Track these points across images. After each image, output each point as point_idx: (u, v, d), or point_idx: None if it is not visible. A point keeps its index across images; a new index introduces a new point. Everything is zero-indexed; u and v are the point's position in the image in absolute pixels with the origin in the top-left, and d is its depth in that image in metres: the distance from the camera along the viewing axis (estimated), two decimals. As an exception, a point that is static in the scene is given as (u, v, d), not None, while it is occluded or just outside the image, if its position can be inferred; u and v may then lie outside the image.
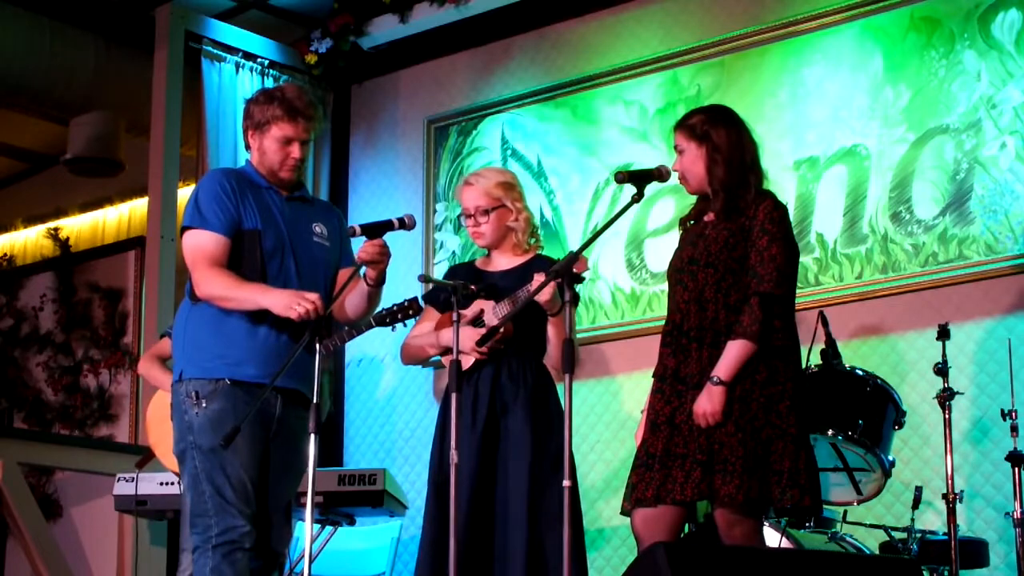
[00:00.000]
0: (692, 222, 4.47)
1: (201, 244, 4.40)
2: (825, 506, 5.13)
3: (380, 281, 4.48)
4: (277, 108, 4.47)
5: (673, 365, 4.29)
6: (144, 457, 6.00)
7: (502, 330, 4.65)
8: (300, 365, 4.33)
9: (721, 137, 4.33)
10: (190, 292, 4.47)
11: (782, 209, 4.30)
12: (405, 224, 4.44)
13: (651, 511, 4.21)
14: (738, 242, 4.25)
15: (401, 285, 4.62)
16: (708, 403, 4.13)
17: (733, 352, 4.16)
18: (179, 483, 5.43)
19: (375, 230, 4.41)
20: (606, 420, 6.53)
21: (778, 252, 4.22)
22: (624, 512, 4.35)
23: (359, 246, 4.47)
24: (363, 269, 4.44)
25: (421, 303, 4.70)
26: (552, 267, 4.26)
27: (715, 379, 4.14)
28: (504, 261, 4.92)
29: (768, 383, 4.19)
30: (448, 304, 4.63)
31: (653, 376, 4.39)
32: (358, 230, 4.41)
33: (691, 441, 4.17)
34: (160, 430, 5.51)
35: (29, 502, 6.62)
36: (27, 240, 9.23)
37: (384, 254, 4.40)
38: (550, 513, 4.55)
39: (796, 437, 4.19)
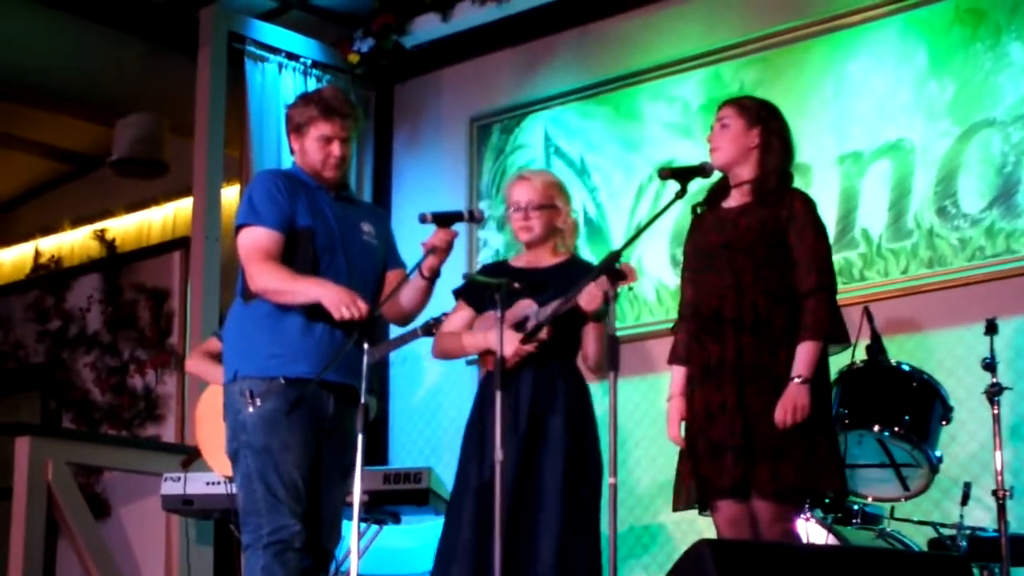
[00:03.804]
0: (704, 207, 4.55)
1: (256, 239, 4.44)
2: (872, 502, 5.13)
3: (436, 274, 4.53)
4: (314, 109, 4.54)
5: (718, 353, 4.31)
6: (190, 456, 6.01)
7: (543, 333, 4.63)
8: (353, 362, 4.33)
9: (777, 126, 4.45)
10: (242, 291, 4.49)
11: (815, 203, 4.42)
12: (474, 217, 4.54)
13: (738, 508, 4.23)
14: (774, 230, 4.32)
15: (445, 283, 4.61)
16: (799, 401, 4.16)
17: (809, 352, 4.22)
18: (225, 483, 5.45)
19: (447, 219, 4.48)
20: (652, 417, 6.49)
21: (826, 247, 4.35)
22: (679, 508, 4.40)
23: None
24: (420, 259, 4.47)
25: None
26: (595, 270, 4.28)
27: (800, 378, 4.19)
28: (540, 260, 4.88)
29: (822, 378, 4.28)
30: (490, 303, 4.61)
31: (682, 362, 4.44)
32: (429, 217, 4.47)
33: (749, 431, 4.20)
34: (208, 429, 5.49)
35: (78, 501, 6.66)
36: (74, 242, 9.28)
37: (452, 244, 4.48)
38: (581, 515, 4.53)
39: (832, 429, 4.32)
